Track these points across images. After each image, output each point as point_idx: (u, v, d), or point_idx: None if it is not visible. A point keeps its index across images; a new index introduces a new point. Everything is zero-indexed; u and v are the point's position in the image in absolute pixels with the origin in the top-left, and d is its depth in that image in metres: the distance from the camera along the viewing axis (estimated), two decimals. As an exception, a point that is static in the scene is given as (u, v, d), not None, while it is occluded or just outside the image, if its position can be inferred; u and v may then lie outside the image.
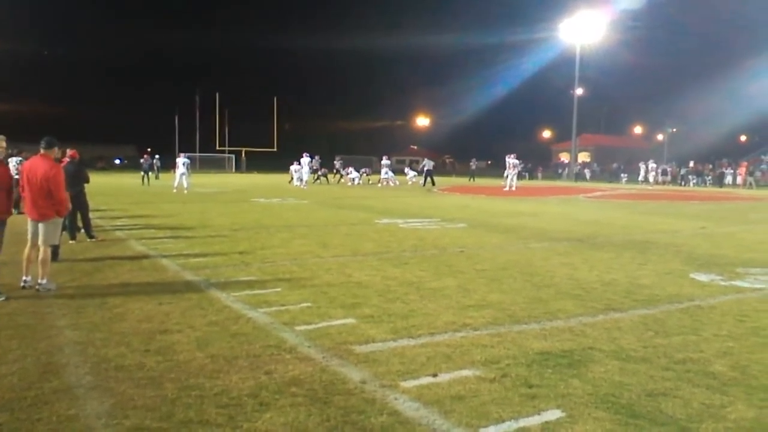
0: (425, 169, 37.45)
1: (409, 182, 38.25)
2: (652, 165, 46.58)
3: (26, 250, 6.95)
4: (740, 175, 43.85)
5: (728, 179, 44.66)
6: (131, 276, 7.69)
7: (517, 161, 32.32)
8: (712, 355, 4.76)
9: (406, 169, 43.47)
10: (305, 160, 33.08)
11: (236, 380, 4.12)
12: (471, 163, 51.75)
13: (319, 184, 35.48)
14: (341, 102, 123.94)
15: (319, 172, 38.62)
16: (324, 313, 5.89)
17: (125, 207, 18.08)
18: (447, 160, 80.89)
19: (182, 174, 26.78)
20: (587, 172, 57.67)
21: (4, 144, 6.55)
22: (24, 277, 6.86)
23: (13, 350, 4.74)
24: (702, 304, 6.45)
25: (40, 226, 6.85)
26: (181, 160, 27.36)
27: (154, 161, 39.84)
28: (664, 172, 46.64)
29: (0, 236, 6.43)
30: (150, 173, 35.46)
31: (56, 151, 7.31)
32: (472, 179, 46.98)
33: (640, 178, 46.37)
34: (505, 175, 31.97)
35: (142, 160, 35.83)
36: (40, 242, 6.84)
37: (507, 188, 30.75)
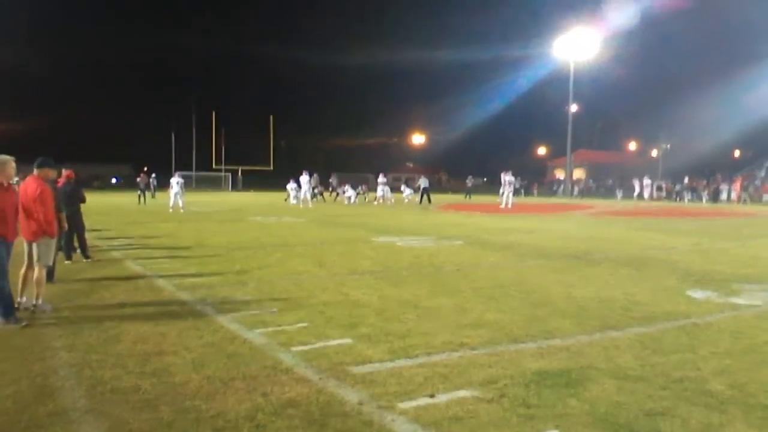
0: (421, 186, 37.49)
1: (406, 200, 38.31)
2: (646, 181, 46.68)
3: (22, 271, 6.95)
4: (735, 190, 44.07)
5: (723, 195, 44.87)
6: (127, 296, 7.66)
7: (512, 178, 32.29)
8: (709, 374, 4.75)
9: (403, 187, 43.50)
10: (305, 178, 32.31)
11: (232, 402, 4.09)
12: (467, 180, 51.90)
13: (315, 203, 35.49)
14: (337, 119, 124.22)
15: (316, 190, 38.59)
16: (321, 333, 5.87)
17: (121, 227, 18.04)
18: (443, 177, 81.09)
19: (176, 193, 26.66)
20: (576, 189, 57.90)
21: (13, 165, 6.49)
22: (19, 299, 6.83)
23: (7, 372, 4.70)
24: (698, 322, 6.45)
25: (34, 246, 6.85)
26: (175, 180, 27.27)
27: (151, 180, 39.87)
28: (659, 188, 46.82)
29: (7, 257, 6.35)
30: (147, 192, 35.46)
31: (48, 171, 7.23)
32: (468, 197, 47.08)
33: (636, 194, 46.46)
34: (501, 192, 31.98)
35: (138, 179, 35.86)
36: (35, 261, 6.84)
37: (503, 205, 30.71)
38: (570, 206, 35.46)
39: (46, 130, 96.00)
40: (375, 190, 39.20)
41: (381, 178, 38.91)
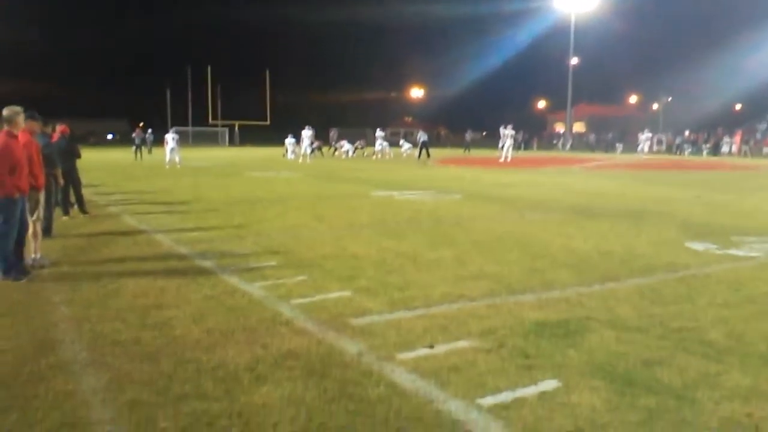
0: (420, 140, 37.26)
1: (404, 154, 38.11)
2: (647, 134, 46.31)
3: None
4: (735, 143, 43.88)
5: (725, 148, 44.67)
6: (126, 251, 7.65)
7: (512, 131, 32.00)
8: (707, 324, 4.77)
9: (401, 141, 43.26)
10: (306, 132, 31.98)
11: (232, 354, 4.11)
12: (466, 135, 51.55)
13: (313, 157, 35.30)
14: (334, 74, 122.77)
15: (314, 145, 38.37)
16: (320, 286, 5.87)
17: (118, 182, 17.97)
18: (441, 132, 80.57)
19: (172, 149, 26.42)
20: (560, 144, 57.59)
21: (23, 116, 6.32)
22: None
23: (7, 327, 4.71)
24: (697, 273, 6.46)
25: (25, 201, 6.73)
26: (170, 136, 26.98)
27: (147, 136, 39.55)
28: (659, 142, 46.56)
29: (18, 213, 6.22)
30: (143, 148, 35.20)
31: (33, 124, 6.91)
32: (467, 151, 46.83)
33: (639, 148, 45.84)
34: (501, 145, 31.78)
35: (134, 135, 35.57)
36: (27, 217, 6.71)
37: (502, 159, 30.58)
38: (570, 160, 35.31)
39: (40, 87, 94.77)
40: (373, 144, 38.99)
41: (379, 132, 38.61)
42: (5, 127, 6.21)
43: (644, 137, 45.76)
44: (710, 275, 6.38)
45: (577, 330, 4.60)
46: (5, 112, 6.24)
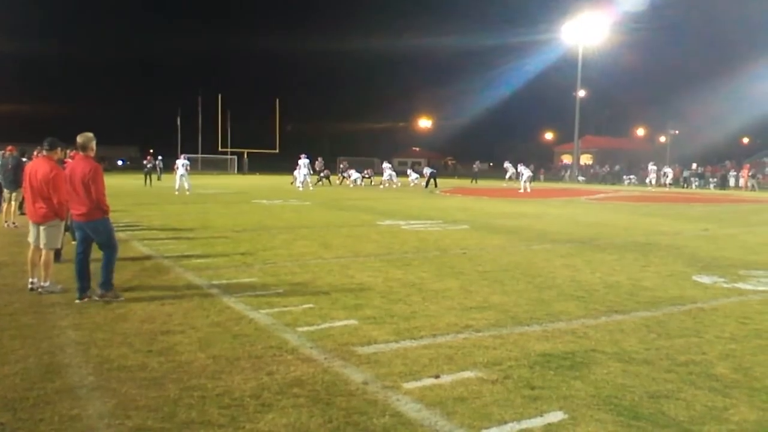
0: (428, 174, 37.83)
1: (411, 183, 38.26)
2: (651, 167, 46.44)
3: (29, 253, 6.91)
4: (743, 177, 43.82)
5: (731, 181, 44.62)
6: (133, 277, 7.69)
7: (526, 168, 34.51)
8: (714, 358, 4.75)
9: (409, 171, 43.53)
10: (303, 161, 32.56)
11: (238, 381, 4.12)
12: (474, 165, 51.73)
13: (321, 186, 35.47)
14: (343, 103, 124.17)
15: (322, 174, 38.66)
16: (326, 314, 5.88)
17: (128, 208, 18.08)
18: (449, 162, 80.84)
19: (182, 175, 26.82)
20: (567, 176, 57.82)
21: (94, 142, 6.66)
22: (31, 279, 6.83)
23: (15, 350, 4.74)
24: (704, 307, 6.44)
25: (41, 229, 6.77)
26: (180, 162, 27.39)
27: (157, 162, 39.86)
28: (666, 174, 46.55)
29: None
30: (153, 174, 35.45)
31: (59, 152, 7.27)
32: (474, 181, 47.00)
33: (648, 179, 45.89)
34: (522, 180, 33.50)
35: (145, 162, 35.85)
36: (41, 245, 6.79)
37: (522, 190, 32.10)
38: (577, 191, 35.32)
39: (52, 111, 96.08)
40: (381, 174, 39.34)
41: (386, 164, 39.24)
42: (81, 153, 6.51)
43: (650, 169, 45.91)
44: (717, 309, 6.35)
45: (583, 362, 4.58)
46: (81, 139, 6.50)
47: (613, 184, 49.93)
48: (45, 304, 6.21)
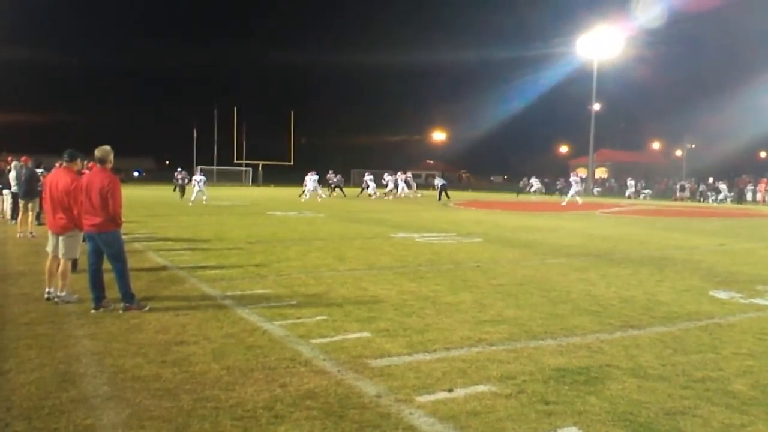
0: (439, 185, 37.99)
1: (373, 196, 38.08)
2: (630, 182, 46.80)
3: (47, 263, 7.00)
4: (760, 191, 43.39)
5: (748, 196, 44.21)
6: (148, 287, 7.74)
7: (578, 179, 35.64)
8: (731, 374, 4.69)
9: (366, 179, 42.53)
10: (311, 177, 33.91)
11: (251, 392, 4.12)
12: (525, 182, 51.20)
13: (333, 197, 35.61)
14: (358, 116, 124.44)
15: (332, 183, 39.23)
16: (339, 326, 5.88)
17: (143, 219, 18.23)
18: (463, 175, 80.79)
19: (199, 191, 28.06)
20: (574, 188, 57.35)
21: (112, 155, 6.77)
22: (47, 289, 6.91)
23: (31, 359, 4.78)
24: (721, 322, 6.36)
25: (60, 239, 6.86)
26: (197, 178, 28.79)
27: (185, 175, 40.27)
28: (682, 188, 46.22)
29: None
30: (187, 187, 35.80)
31: (78, 164, 7.36)
32: (527, 194, 47.15)
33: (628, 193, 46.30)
34: (570, 191, 34.43)
35: (177, 176, 36.27)
36: (60, 255, 6.87)
37: (568, 202, 33.04)
38: (592, 205, 35.13)
39: (70, 121, 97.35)
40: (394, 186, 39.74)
41: (400, 175, 39.59)
42: (99, 165, 6.61)
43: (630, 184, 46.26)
44: (735, 324, 6.28)
45: (598, 377, 4.55)
46: (99, 153, 6.61)
47: (629, 197, 49.60)
48: (61, 314, 6.27)
